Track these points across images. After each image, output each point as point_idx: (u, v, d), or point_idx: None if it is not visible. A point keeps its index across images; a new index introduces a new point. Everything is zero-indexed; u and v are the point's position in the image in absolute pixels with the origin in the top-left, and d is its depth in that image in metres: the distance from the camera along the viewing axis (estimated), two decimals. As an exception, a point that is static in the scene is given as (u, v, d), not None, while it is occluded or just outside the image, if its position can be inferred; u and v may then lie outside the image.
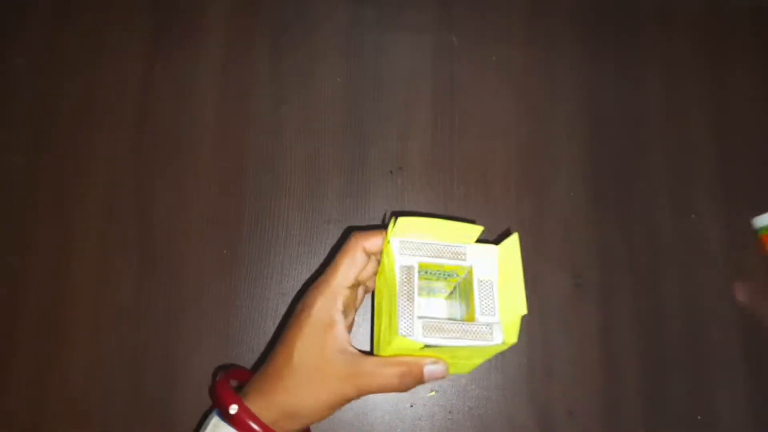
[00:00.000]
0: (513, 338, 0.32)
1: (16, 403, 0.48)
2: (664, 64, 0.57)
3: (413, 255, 0.34)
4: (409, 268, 0.33)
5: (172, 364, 0.49)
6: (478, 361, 0.37)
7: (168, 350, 0.49)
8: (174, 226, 0.52)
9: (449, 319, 0.37)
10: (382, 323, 0.37)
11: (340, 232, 0.52)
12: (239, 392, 0.36)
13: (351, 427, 0.48)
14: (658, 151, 0.55)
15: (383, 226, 0.36)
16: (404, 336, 0.31)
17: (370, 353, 0.36)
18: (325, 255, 0.52)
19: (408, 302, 0.33)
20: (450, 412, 0.49)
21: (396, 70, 0.56)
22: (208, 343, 0.49)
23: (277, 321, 0.50)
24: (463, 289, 0.36)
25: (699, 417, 0.49)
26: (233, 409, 0.34)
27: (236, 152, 0.53)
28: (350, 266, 0.36)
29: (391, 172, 0.53)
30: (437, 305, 0.42)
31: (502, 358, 0.49)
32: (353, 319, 0.40)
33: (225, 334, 0.50)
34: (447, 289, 0.40)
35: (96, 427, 0.48)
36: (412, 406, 0.49)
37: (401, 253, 0.34)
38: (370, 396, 0.48)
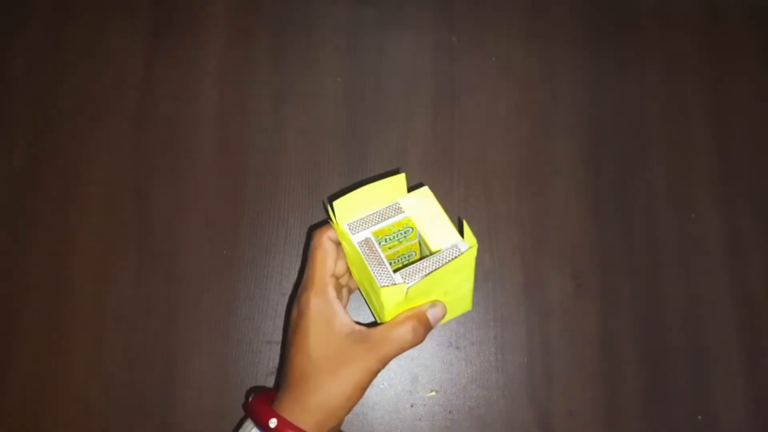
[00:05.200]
0: (472, 240, 0.35)
1: (16, 403, 0.48)
2: (664, 64, 0.57)
3: (364, 229, 0.38)
4: (367, 240, 0.37)
5: (171, 364, 0.49)
6: (468, 285, 0.39)
7: (168, 350, 0.49)
8: (174, 226, 0.52)
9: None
10: (373, 302, 0.39)
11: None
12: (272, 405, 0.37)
13: (351, 427, 0.48)
14: (658, 151, 0.55)
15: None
16: (386, 285, 0.34)
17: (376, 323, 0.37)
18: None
19: (380, 266, 0.35)
20: (450, 412, 0.49)
21: (396, 70, 0.56)
22: (208, 343, 0.49)
23: (278, 321, 0.50)
24: (423, 243, 0.39)
25: (699, 417, 0.49)
26: (273, 423, 0.35)
27: (236, 152, 0.53)
28: (325, 256, 0.38)
29: (391, 172, 0.53)
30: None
31: (502, 358, 0.50)
32: (348, 301, 0.42)
33: (225, 334, 0.50)
34: (416, 251, 0.43)
35: (96, 427, 0.48)
36: (412, 406, 0.49)
37: (354, 233, 0.37)
38: (370, 396, 0.49)
